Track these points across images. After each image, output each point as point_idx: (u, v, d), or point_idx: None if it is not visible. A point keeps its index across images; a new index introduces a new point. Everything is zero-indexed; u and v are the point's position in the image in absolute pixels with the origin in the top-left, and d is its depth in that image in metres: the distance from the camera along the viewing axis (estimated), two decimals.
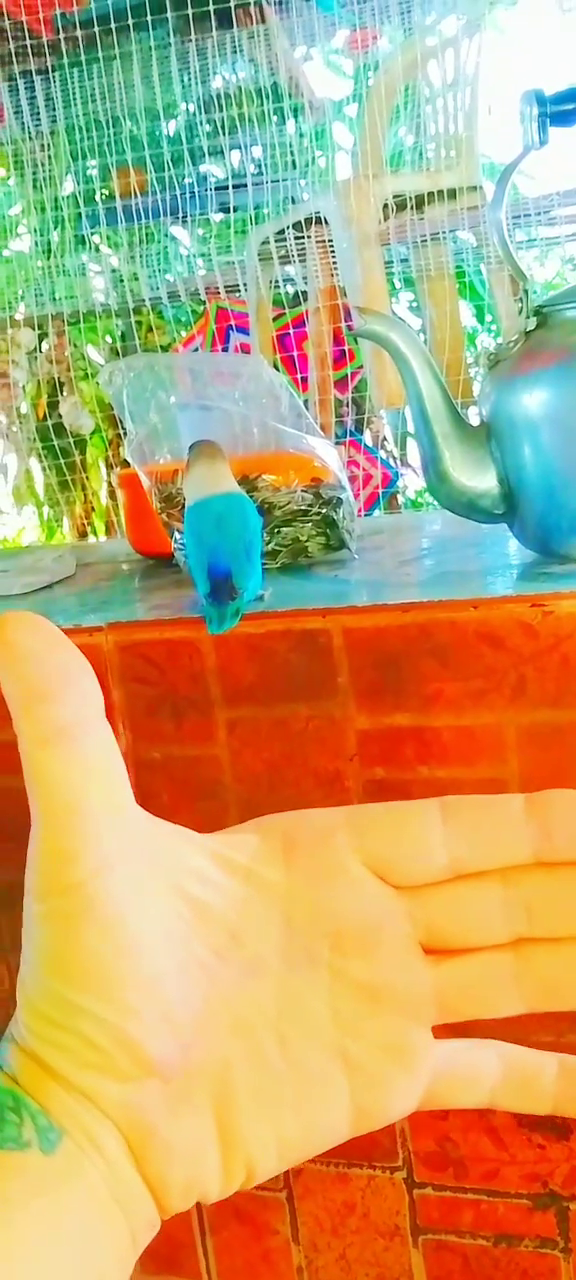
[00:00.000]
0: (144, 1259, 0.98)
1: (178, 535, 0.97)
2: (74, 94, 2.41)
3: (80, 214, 2.73)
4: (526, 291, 0.81)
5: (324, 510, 1.00)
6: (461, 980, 0.30)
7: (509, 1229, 0.85)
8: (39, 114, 2.48)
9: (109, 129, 2.43)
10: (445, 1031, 0.31)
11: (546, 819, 0.28)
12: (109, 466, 3.23)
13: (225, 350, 2.70)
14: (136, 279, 2.62)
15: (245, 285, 2.42)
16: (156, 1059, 0.27)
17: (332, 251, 2.26)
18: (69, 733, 0.27)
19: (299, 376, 2.55)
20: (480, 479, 0.83)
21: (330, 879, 0.29)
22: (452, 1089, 0.30)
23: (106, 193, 2.77)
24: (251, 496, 0.93)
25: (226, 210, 2.67)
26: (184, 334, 2.96)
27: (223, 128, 2.57)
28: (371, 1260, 0.90)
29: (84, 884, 0.27)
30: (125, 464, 1.07)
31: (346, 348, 2.51)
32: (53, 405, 3.02)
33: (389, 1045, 0.29)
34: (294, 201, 2.45)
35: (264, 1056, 0.28)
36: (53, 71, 2.42)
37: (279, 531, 0.98)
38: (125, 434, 1.06)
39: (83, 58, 2.37)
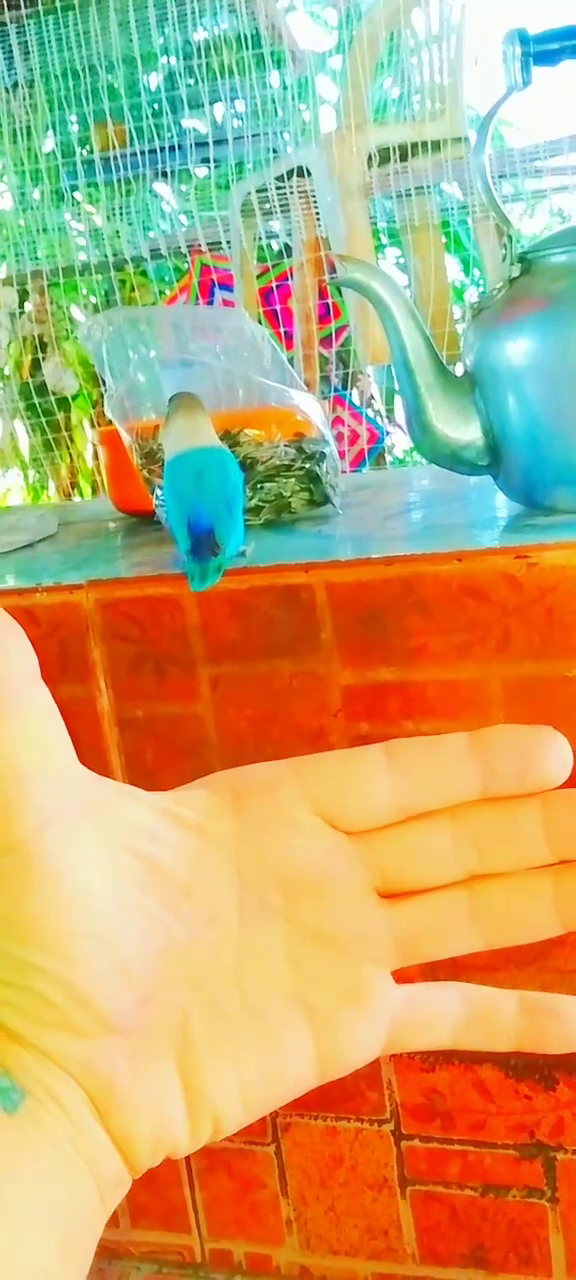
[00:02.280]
0: (133, 1214, 0.99)
1: (159, 492, 0.96)
2: (49, 42, 2.36)
3: (60, 168, 2.69)
4: (510, 238, 0.80)
5: (307, 465, 0.99)
6: (417, 921, 0.30)
7: (496, 1180, 0.85)
8: (15, 66, 2.43)
9: (85, 78, 2.39)
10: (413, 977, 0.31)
11: (489, 754, 0.29)
12: (94, 427, 3.20)
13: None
14: (119, 236, 2.59)
15: (228, 242, 2.40)
16: (112, 1012, 0.27)
17: (316, 203, 2.23)
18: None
19: (282, 331, 2.52)
20: (464, 430, 0.82)
21: (280, 829, 0.29)
22: (415, 1030, 0.31)
23: (88, 149, 2.73)
24: (233, 452, 0.92)
25: (208, 164, 2.63)
26: (168, 292, 2.93)
27: (203, 78, 2.53)
28: (360, 1212, 0.90)
29: (25, 842, 0.26)
30: (107, 421, 1.06)
31: (330, 301, 2.48)
32: (37, 366, 2.99)
33: (347, 990, 0.29)
34: (276, 154, 2.41)
35: (224, 1007, 0.29)
36: (28, 20, 2.37)
37: (261, 487, 0.97)
38: (106, 390, 1.05)
39: (58, 3, 2.33)
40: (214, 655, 0.82)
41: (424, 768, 0.29)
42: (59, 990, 0.27)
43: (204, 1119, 0.28)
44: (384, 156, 2.24)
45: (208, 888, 0.29)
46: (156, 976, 0.28)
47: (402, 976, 0.30)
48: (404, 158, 2.25)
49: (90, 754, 0.85)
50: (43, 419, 2.87)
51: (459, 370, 0.86)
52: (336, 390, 2.59)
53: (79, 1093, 0.27)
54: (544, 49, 0.77)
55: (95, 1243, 0.28)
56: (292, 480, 0.98)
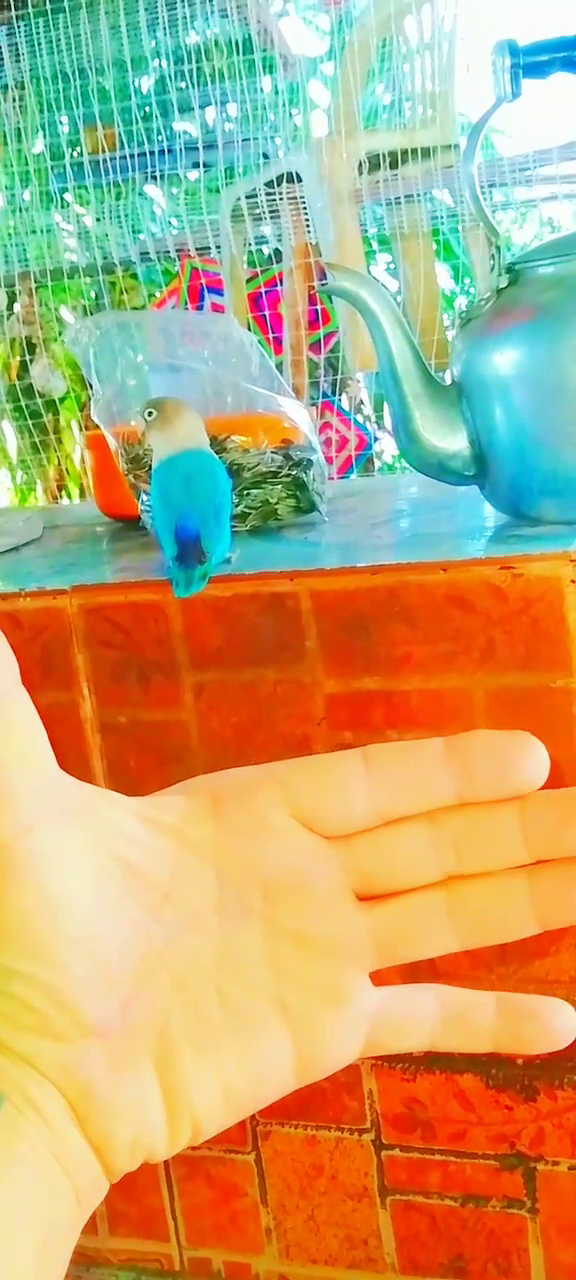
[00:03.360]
0: (112, 1221, 0.98)
1: (144, 497, 0.96)
2: (39, 44, 2.35)
3: (50, 170, 2.69)
4: (498, 248, 0.80)
5: (294, 472, 0.99)
6: (395, 922, 0.30)
7: (476, 1190, 0.85)
8: (5, 68, 2.42)
9: (75, 80, 2.38)
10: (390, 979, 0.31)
11: (466, 760, 0.29)
12: (82, 429, 3.20)
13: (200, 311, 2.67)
14: (107, 238, 2.59)
15: (218, 246, 2.39)
16: (93, 1017, 0.27)
17: (305, 209, 2.24)
18: None
19: (272, 337, 2.52)
20: (450, 440, 0.82)
21: (258, 832, 0.29)
22: (393, 1033, 0.30)
23: (79, 151, 2.73)
24: (220, 458, 0.91)
25: (199, 167, 2.63)
26: (157, 295, 2.93)
27: (194, 82, 2.53)
28: (339, 1221, 0.90)
29: (7, 845, 0.26)
30: (94, 425, 1.05)
31: (319, 306, 2.48)
32: (25, 368, 2.98)
33: (326, 992, 0.29)
34: (266, 159, 2.41)
35: (204, 1010, 0.28)
36: (18, 21, 2.36)
37: (248, 493, 0.97)
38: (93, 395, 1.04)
39: (48, 6, 2.32)
40: (198, 662, 0.82)
41: (401, 773, 0.29)
42: (40, 995, 0.27)
43: (183, 1122, 0.28)
44: (374, 163, 2.24)
45: (187, 891, 0.29)
46: (137, 980, 0.28)
47: (383, 979, 0.30)
48: (395, 165, 2.25)
49: (73, 760, 0.85)
50: (30, 421, 2.86)
51: (447, 378, 0.86)
52: (325, 396, 2.59)
53: (58, 1098, 0.27)
54: (533, 60, 0.77)
55: (71, 1248, 0.28)
56: (279, 487, 0.98)
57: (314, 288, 2.33)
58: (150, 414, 0.84)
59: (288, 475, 0.99)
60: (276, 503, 0.98)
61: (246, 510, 0.97)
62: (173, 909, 0.29)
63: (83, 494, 3.18)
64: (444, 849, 0.29)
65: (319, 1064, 0.29)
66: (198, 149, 2.53)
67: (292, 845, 0.29)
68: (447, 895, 0.30)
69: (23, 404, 2.86)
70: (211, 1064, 0.28)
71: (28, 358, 2.93)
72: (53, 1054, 0.27)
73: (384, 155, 2.23)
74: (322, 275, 2.32)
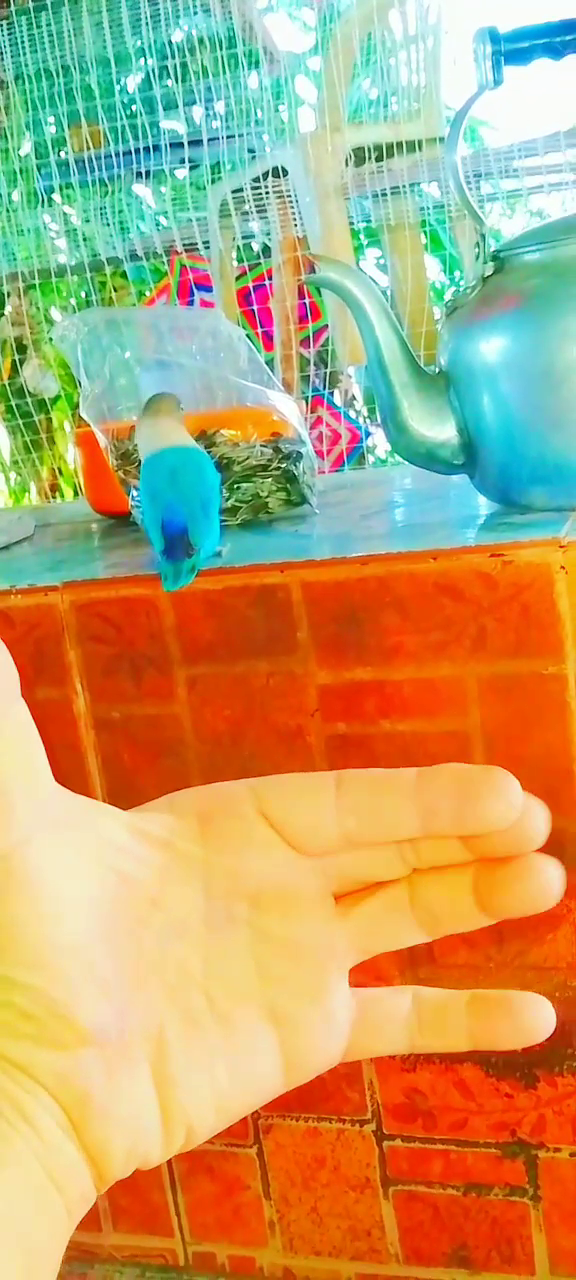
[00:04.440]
0: (115, 1217, 0.98)
1: (134, 493, 0.96)
2: (23, 42, 2.34)
3: (37, 169, 2.68)
4: (483, 236, 0.80)
5: (283, 465, 0.99)
6: (369, 920, 0.31)
7: (478, 1178, 0.85)
8: None
9: (59, 78, 2.37)
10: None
11: (432, 794, 0.29)
12: (75, 429, 3.19)
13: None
14: (95, 238, 2.58)
15: (206, 244, 2.39)
16: (90, 1025, 0.27)
17: (292, 203, 2.23)
18: None
19: (261, 332, 2.52)
20: (439, 429, 0.82)
21: (243, 845, 0.30)
22: (372, 1035, 0.31)
23: (64, 152, 2.72)
24: (209, 452, 0.91)
25: (188, 166, 2.62)
26: (147, 294, 2.92)
27: (179, 78, 2.52)
28: (342, 1213, 0.90)
29: (5, 856, 0.27)
30: (84, 422, 1.05)
31: (308, 299, 2.48)
32: (17, 369, 2.98)
33: (310, 995, 0.30)
34: (253, 155, 2.41)
35: (195, 1017, 0.29)
36: (0, 20, 2.35)
37: (238, 487, 0.97)
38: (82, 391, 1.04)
39: (30, 4, 2.31)
40: (190, 656, 0.82)
41: (369, 805, 0.30)
42: (38, 1004, 0.27)
43: (178, 1128, 0.29)
44: (360, 157, 2.24)
45: (175, 900, 0.29)
46: (131, 987, 0.28)
47: (380, 969, 0.31)
48: (381, 158, 2.24)
49: (67, 756, 0.85)
50: (20, 422, 2.85)
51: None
52: (316, 391, 2.59)
53: (52, 1108, 0.27)
54: (515, 48, 0.77)
55: (59, 1262, 0.28)
56: (269, 480, 0.98)
57: (303, 282, 2.33)
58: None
59: (277, 468, 0.98)
60: (267, 496, 0.98)
61: (237, 504, 0.97)
62: (162, 917, 0.29)
63: (76, 495, 3.17)
64: (405, 849, 0.30)
65: (305, 1066, 0.30)
66: (184, 146, 2.52)
67: (274, 856, 0.30)
68: (410, 889, 0.31)
69: (14, 405, 2.86)
70: (204, 1070, 0.29)
71: (18, 359, 2.93)
72: (49, 1062, 0.27)
73: (370, 148, 2.22)
74: (311, 269, 2.32)
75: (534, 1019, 0.30)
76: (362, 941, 0.31)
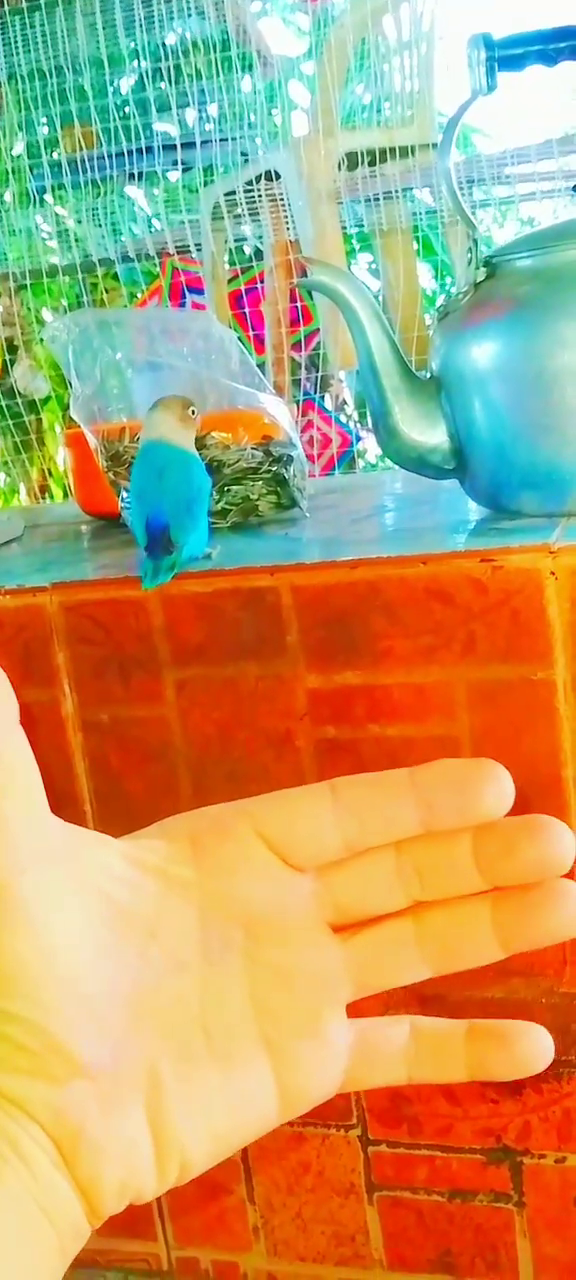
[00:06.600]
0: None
1: (124, 494, 0.95)
2: (16, 42, 2.34)
3: (29, 170, 2.67)
4: (475, 241, 0.80)
5: (274, 468, 0.98)
6: (369, 953, 0.30)
7: (463, 1184, 0.85)
8: None
9: (52, 79, 2.37)
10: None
11: (428, 790, 0.29)
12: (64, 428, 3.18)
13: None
14: (87, 239, 2.58)
15: (198, 246, 2.39)
16: (84, 1058, 0.27)
17: (285, 207, 2.23)
18: None
19: (253, 335, 2.52)
20: (430, 434, 0.82)
21: (237, 868, 0.30)
22: (370, 1067, 0.31)
23: (57, 152, 2.72)
24: (200, 454, 0.91)
25: (180, 168, 2.62)
26: (139, 296, 2.92)
27: (172, 81, 2.52)
28: (327, 1219, 0.90)
29: (3, 886, 0.27)
30: (74, 423, 1.05)
31: (299, 303, 2.48)
32: (6, 370, 2.97)
33: (306, 1027, 0.30)
34: (246, 158, 2.41)
35: (190, 1050, 0.29)
36: None
37: (228, 490, 0.97)
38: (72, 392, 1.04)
39: (24, 4, 2.31)
40: (179, 658, 0.82)
41: (368, 805, 0.30)
42: (32, 1037, 0.27)
43: (171, 1163, 0.28)
44: (353, 162, 2.24)
45: (171, 931, 0.29)
46: (126, 1021, 0.28)
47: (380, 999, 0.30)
48: (374, 163, 2.25)
49: (54, 758, 0.85)
50: (10, 422, 2.85)
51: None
52: (308, 395, 2.59)
53: (45, 1142, 0.27)
54: (509, 54, 0.77)
55: None
56: (260, 483, 0.98)
57: (295, 285, 2.33)
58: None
59: (268, 471, 0.98)
60: (257, 499, 0.98)
61: (227, 506, 0.97)
62: (158, 949, 0.29)
63: (65, 496, 3.17)
64: (409, 875, 0.30)
65: (301, 1099, 0.30)
66: (177, 148, 2.52)
67: (270, 880, 0.30)
68: (415, 922, 0.30)
69: (4, 406, 2.85)
70: (199, 1103, 0.29)
71: (9, 359, 2.92)
72: (43, 1095, 0.27)
73: (363, 153, 2.23)
74: (303, 273, 2.32)
75: (533, 1050, 0.30)
76: (362, 974, 0.30)
